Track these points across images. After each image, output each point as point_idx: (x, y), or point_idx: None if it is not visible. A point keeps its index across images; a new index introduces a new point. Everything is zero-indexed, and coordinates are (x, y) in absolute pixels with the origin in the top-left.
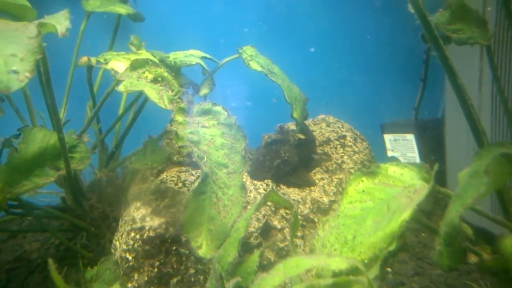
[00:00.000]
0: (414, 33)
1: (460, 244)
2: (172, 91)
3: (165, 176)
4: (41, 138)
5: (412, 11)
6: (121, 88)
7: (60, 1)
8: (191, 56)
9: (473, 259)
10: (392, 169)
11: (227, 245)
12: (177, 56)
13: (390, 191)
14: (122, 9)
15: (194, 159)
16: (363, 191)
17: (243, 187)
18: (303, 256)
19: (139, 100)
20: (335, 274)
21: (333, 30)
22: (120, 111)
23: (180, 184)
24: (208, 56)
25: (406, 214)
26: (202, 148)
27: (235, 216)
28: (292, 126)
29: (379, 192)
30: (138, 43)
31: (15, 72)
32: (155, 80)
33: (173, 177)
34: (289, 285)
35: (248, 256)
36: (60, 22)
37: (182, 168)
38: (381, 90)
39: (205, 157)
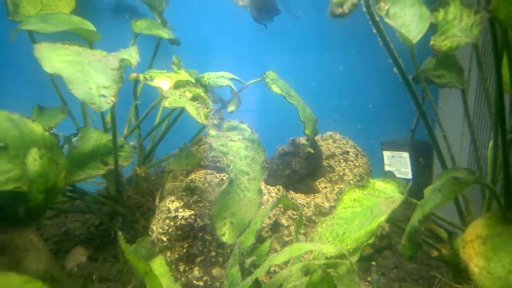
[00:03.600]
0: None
1: (418, 240)
2: (207, 108)
3: (194, 177)
4: (95, 137)
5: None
6: (166, 104)
7: (110, 18)
8: (222, 77)
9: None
10: (378, 184)
11: (247, 233)
12: (210, 77)
13: (375, 200)
14: (165, 34)
15: (218, 165)
16: (355, 199)
17: (260, 191)
18: (304, 243)
19: (172, 113)
20: (327, 258)
21: (345, 60)
22: (157, 121)
23: (206, 184)
24: (235, 77)
25: (383, 218)
26: (230, 158)
27: (252, 213)
28: (303, 140)
29: (366, 201)
30: (178, 63)
31: (104, 96)
32: (193, 98)
33: (200, 178)
34: (292, 264)
35: (261, 244)
36: (132, 56)
37: (208, 171)
38: (384, 113)
39: (232, 165)
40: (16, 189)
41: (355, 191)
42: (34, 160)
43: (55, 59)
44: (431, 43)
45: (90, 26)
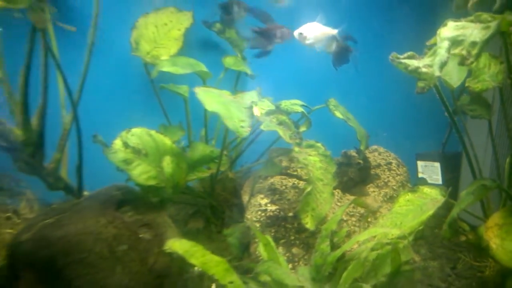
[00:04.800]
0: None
1: (455, 227)
2: (290, 131)
3: (272, 181)
4: (201, 149)
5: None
6: (263, 127)
7: (200, 53)
8: (295, 104)
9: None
10: (425, 189)
11: (330, 222)
12: (286, 104)
13: (423, 200)
14: (247, 70)
15: (288, 172)
16: (408, 200)
17: (332, 194)
18: (376, 228)
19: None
20: (390, 239)
21: (386, 85)
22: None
23: (283, 187)
24: (304, 104)
25: (430, 212)
26: (309, 168)
27: (326, 210)
28: (352, 152)
29: (417, 201)
30: (260, 92)
31: (243, 127)
32: (279, 123)
33: (278, 182)
34: (364, 245)
35: (340, 230)
36: (253, 97)
37: (282, 176)
38: (420, 128)
39: (311, 174)
40: (155, 184)
41: (408, 194)
42: (167, 165)
43: (211, 101)
44: (467, 84)
45: (204, 68)
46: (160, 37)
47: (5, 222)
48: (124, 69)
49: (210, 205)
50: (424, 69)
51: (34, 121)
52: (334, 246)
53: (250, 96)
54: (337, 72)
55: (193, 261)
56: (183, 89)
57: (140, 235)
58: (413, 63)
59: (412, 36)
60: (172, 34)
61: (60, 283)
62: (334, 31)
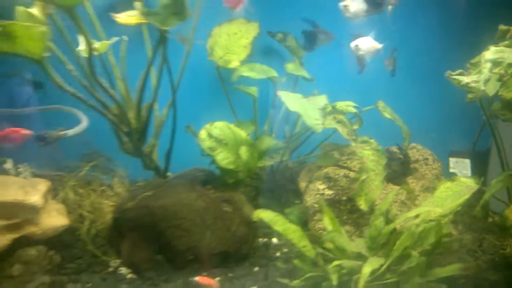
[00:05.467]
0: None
1: (487, 209)
2: (347, 128)
3: (326, 171)
4: (267, 141)
5: None
6: (326, 125)
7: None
8: (349, 106)
9: None
10: (462, 179)
11: (383, 203)
12: (341, 105)
13: (460, 188)
14: (306, 75)
15: (339, 163)
16: (447, 187)
17: (382, 182)
18: (422, 207)
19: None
20: (434, 216)
21: (427, 88)
22: (297, 129)
23: (336, 176)
24: (356, 105)
25: (466, 196)
26: (364, 160)
27: (377, 195)
28: (394, 149)
29: (455, 188)
30: (317, 94)
31: (317, 124)
32: (338, 121)
33: (332, 172)
34: (411, 222)
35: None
36: (324, 100)
37: (335, 167)
38: (452, 129)
39: (365, 165)
40: (233, 168)
41: (447, 183)
42: (243, 153)
43: (292, 102)
44: (500, 93)
45: (275, 74)
46: (231, 44)
47: (101, 194)
48: (199, 71)
49: (271, 188)
50: (472, 84)
51: (143, 113)
52: (386, 222)
53: (321, 99)
54: (383, 77)
55: (276, 228)
56: (253, 89)
57: (224, 208)
58: (464, 79)
59: (453, 53)
60: (241, 42)
61: (160, 243)
62: (380, 46)
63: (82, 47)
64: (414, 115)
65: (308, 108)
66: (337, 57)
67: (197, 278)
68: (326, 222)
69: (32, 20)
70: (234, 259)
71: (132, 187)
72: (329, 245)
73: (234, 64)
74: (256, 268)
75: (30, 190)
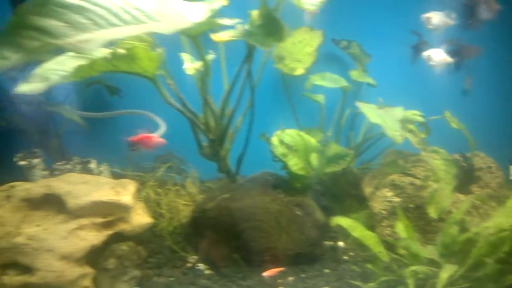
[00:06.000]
0: None
1: None
2: (417, 138)
3: (393, 178)
4: (334, 148)
5: None
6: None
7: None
8: (416, 115)
9: None
10: None
11: (457, 212)
12: (408, 114)
13: None
14: (371, 81)
15: (408, 172)
16: None
17: (451, 191)
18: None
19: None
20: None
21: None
22: (360, 137)
23: (402, 183)
24: (421, 113)
25: None
26: (434, 170)
27: (447, 204)
28: (457, 157)
29: None
30: (381, 102)
31: (397, 135)
32: (409, 131)
33: (397, 179)
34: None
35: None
36: (401, 112)
37: (400, 175)
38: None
39: (436, 174)
40: (303, 174)
41: None
42: (313, 159)
43: (372, 114)
44: None
45: (345, 82)
46: (297, 52)
47: (175, 193)
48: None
49: (334, 193)
50: None
51: (224, 122)
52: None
53: (398, 111)
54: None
55: (354, 233)
56: (320, 97)
57: (296, 212)
58: None
59: None
60: (306, 49)
61: (239, 242)
62: (451, 60)
63: (188, 65)
64: (474, 122)
65: (387, 120)
66: (397, 65)
67: (265, 273)
68: (400, 229)
69: (141, 40)
70: (306, 260)
71: (203, 187)
72: (401, 251)
73: (299, 71)
74: (327, 270)
75: (121, 191)
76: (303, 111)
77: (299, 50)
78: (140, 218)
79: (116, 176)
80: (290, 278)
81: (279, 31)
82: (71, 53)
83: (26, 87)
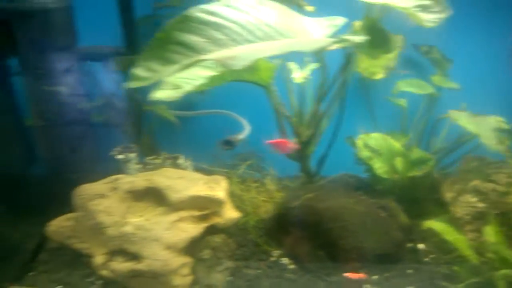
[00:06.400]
0: None
1: None
2: (504, 144)
3: (475, 183)
4: (417, 152)
5: None
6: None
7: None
8: (499, 121)
9: None
10: None
11: None
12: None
13: None
14: (454, 85)
15: (493, 179)
16: None
17: None
18: None
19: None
20: None
21: None
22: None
23: (485, 189)
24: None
25: None
26: None
27: None
28: None
29: None
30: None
31: (495, 145)
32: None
33: (480, 185)
34: None
35: None
36: (495, 122)
37: (482, 181)
38: None
39: None
40: (388, 177)
41: None
42: (398, 163)
43: (468, 124)
44: None
45: (432, 89)
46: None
47: (254, 190)
48: None
49: (412, 197)
50: None
51: (313, 125)
52: None
53: (493, 120)
54: None
55: (448, 237)
56: (403, 101)
57: (381, 214)
58: None
59: None
60: (387, 55)
61: (325, 240)
62: None
63: (296, 74)
64: None
65: (483, 129)
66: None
67: (347, 274)
68: (489, 234)
69: None
70: (390, 261)
71: (280, 185)
72: (490, 255)
73: (379, 76)
74: (409, 271)
75: (215, 186)
76: (380, 115)
77: None
78: (230, 212)
79: (200, 171)
80: (375, 277)
81: (387, 43)
82: (201, 64)
83: (161, 94)
